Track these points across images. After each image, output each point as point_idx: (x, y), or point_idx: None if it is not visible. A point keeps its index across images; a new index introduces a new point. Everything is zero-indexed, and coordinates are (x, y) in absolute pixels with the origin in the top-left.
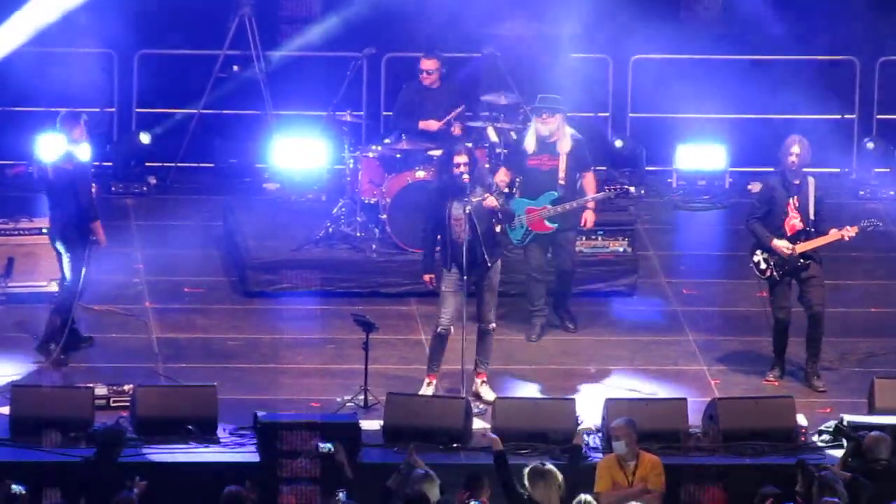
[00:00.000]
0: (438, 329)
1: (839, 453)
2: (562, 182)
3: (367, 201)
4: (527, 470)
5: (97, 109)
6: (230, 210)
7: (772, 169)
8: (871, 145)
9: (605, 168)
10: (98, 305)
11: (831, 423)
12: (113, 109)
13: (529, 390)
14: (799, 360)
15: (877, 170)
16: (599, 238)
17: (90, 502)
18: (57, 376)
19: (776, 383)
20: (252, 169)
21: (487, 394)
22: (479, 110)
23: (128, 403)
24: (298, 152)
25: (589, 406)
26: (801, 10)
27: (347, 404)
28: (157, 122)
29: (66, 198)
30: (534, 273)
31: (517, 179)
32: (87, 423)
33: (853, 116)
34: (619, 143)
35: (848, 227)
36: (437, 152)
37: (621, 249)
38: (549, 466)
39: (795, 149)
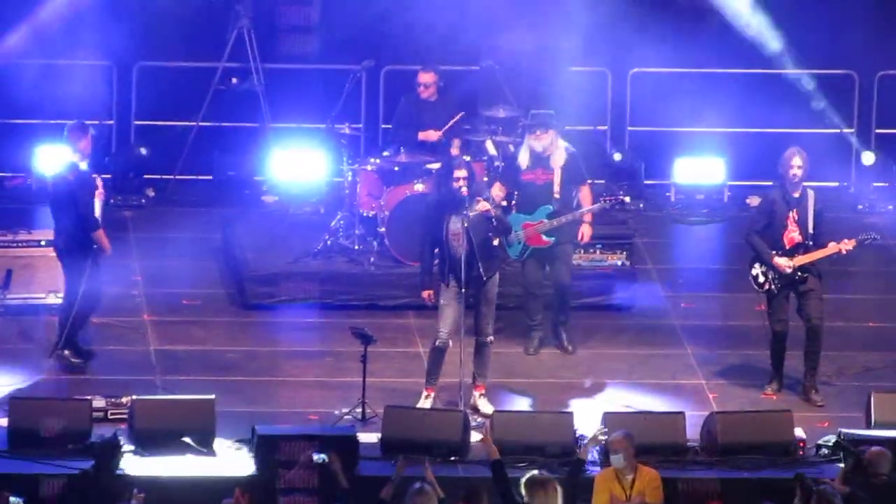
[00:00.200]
0: (437, 342)
1: (837, 467)
2: (557, 196)
3: (365, 214)
4: (525, 479)
5: (96, 122)
6: (228, 222)
7: (770, 183)
8: (869, 156)
9: (603, 181)
10: (96, 318)
11: (829, 437)
12: (112, 122)
13: (527, 404)
14: (797, 373)
15: (875, 184)
16: (598, 251)
17: None
18: (55, 388)
19: (774, 397)
20: (250, 181)
21: (486, 407)
22: (478, 123)
23: (126, 416)
24: (297, 165)
25: (587, 420)
26: (799, 25)
27: (345, 417)
28: (155, 134)
29: (67, 209)
30: (531, 288)
31: (515, 193)
32: (85, 435)
33: (852, 130)
34: (617, 157)
35: (846, 241)
36: (436, 165)
37: (619, 263)
38: (549, 476)
39: (797, 161)
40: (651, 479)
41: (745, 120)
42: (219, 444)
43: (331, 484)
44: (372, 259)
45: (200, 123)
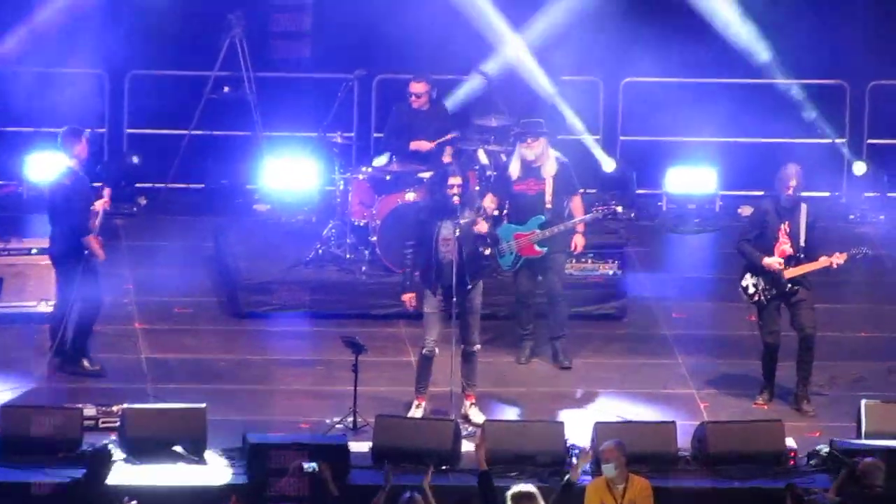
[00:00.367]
0: (424, 350)
1: (829, 477)
2: (548, 206)
3: (357, 223)
4: (510, 493)
5: (88, 130)
6: (220, 231)
7: (762, 192)
8: (861, 166)
9: (595, 191)
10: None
11: (821, 447)
12: (104, 130)
13: (519, 413)
14: (788, 383)
15: (867, 194)
16: (589, 261)
17: None
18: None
19: (765, 407)
20: (242, 190)
21: (476, 416)
22: (470, 133)
23: (117, 424)
24: (289, 173)
25: (578, 429)
26: (791, 35)
27: (337, 426)
28: (147, 142)
29: (63, 215)
30: (523, 298)
31: (506, 203)
32: (77, 443)
33: (843, 140)
34: (609, 168)
35: (837, 254)
36: (427, 174)
37: (611, 272)
38: (532, 489)
39: (793, 182)
40: (642, 489)
41: (738, 130)
42: (210, 452)
43: (321, 492)
44: (363, 268)
45: (193, 132)
